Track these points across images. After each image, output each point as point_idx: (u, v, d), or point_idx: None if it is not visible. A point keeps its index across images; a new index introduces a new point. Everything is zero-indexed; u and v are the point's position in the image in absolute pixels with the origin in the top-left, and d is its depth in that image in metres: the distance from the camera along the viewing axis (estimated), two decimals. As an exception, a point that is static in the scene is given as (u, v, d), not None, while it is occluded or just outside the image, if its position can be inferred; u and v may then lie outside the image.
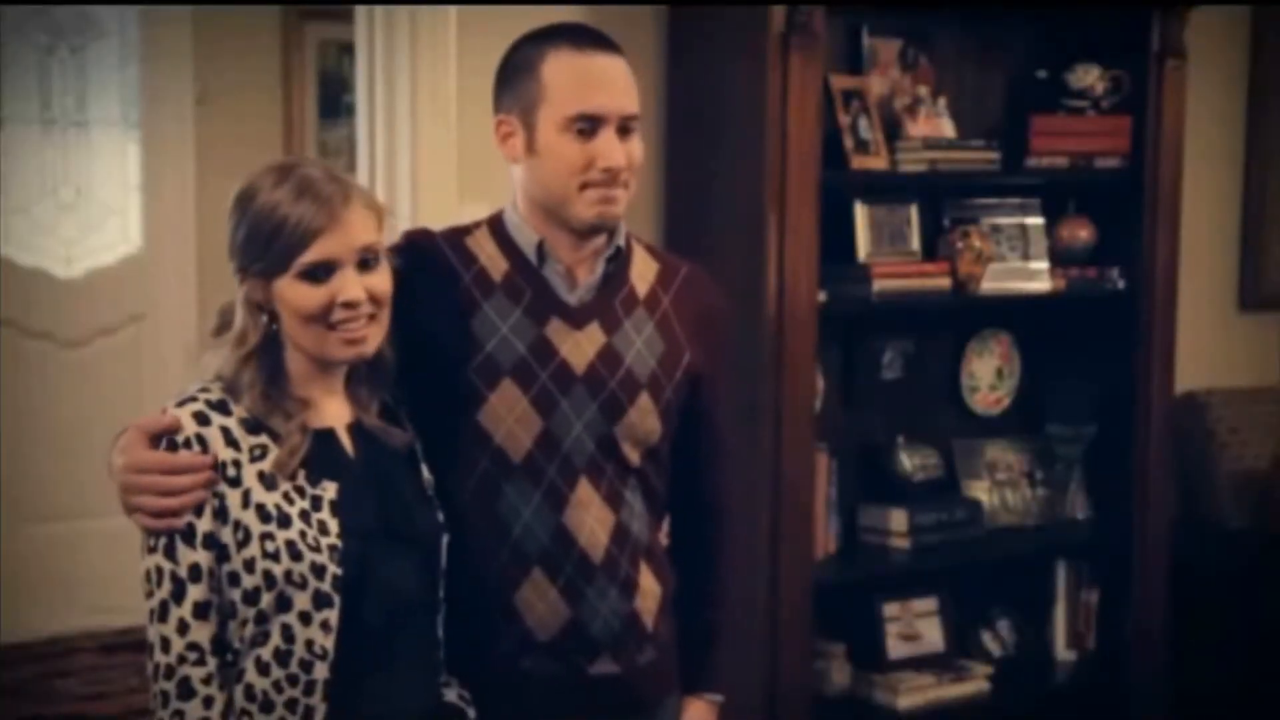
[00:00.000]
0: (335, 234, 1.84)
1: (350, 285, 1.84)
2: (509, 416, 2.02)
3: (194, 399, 1.84)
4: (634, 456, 2.06)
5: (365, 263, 1.85)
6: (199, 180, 5.18)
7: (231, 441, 1.83)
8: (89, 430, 4.90)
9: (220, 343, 1.90)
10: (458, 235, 2.08)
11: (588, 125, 1.96)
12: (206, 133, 5.17)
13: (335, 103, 5.37)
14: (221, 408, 1.83)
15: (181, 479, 1.81)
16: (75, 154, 5.16)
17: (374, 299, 1.86)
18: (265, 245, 1.83)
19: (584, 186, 1.99)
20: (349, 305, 1.83)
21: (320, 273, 1.84)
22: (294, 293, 1.85)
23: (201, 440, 1.81)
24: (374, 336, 1.88)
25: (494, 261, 2.06)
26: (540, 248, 2.03)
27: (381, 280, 1.87)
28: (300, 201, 1.84)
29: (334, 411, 1.92)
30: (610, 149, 1.97)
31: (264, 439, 1.83)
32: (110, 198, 5.24)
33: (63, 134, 5.14)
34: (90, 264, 5.22)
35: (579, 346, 2.05)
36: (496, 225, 2.08)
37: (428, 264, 2.02)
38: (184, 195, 5.23)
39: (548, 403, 2.02)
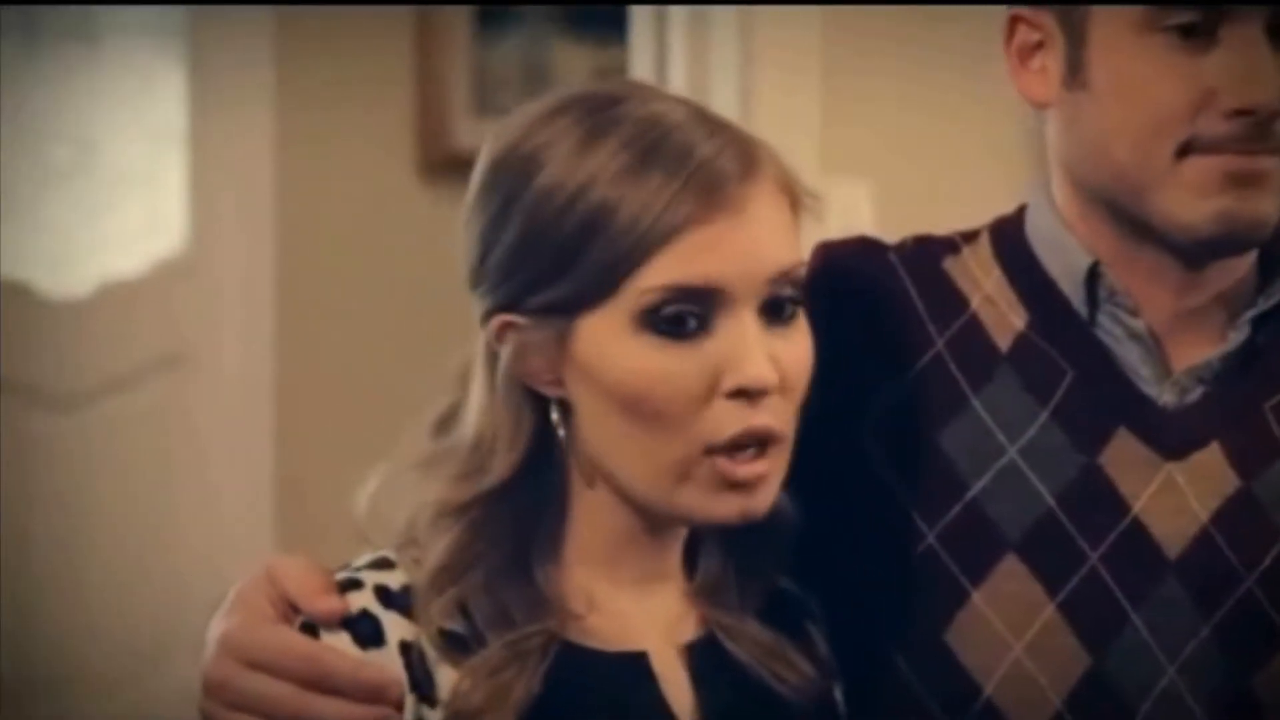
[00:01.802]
0: (724, 235, 1.38)
1: (753, 351, 1.38)
2: (1013, 637, 1.57)
3: (354, 582, 1.42)
4: None
5: (777, 308, 1.41)
6: (283, 122, 4.68)
7: (421, 681, 1.40)
8: (89, 563, 4.51)
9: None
10: (931, 254, 1.68)
11: (1197, 26, 1.55)
12: (295, 44, 4.69)
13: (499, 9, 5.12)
14: (405, 603, 1.42)
15: (350, 709, 1.38)
16: (79, 87, 4.64)
17: (787, 383, 1.41)
18: (567, 253, 1.39)
19: (1186, 152, 1.55)
20: (747, 394, 1.38)
21: (690, 318, 1.37)
22: (631, 356, 1.38)
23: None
24: (778, 471, 1.43)
25: (1000, 307, 1.65)
26: (1094, 280, 1.61)
27: (801, 346, 1.43)
28: (646, 174, 1.38)
29: (652, 615, 1.47)
30: (1249, 66, 1.54)
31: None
32: (133, 155, 4.73)
33: (61, 49, 4.62)
34: (97, 273, 4.68)
35: (1173, 497, 1.59)
36: (1008, 234, 1.69)
37: (868, 307, 1.66)
38: (256, 153, 4.70)
39: (1102, 615, 1.57)
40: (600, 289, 1.40)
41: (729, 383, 1.38)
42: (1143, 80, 1.59)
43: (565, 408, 1.45)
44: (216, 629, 1.46)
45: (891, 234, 1.75)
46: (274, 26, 4.82)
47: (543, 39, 5.22)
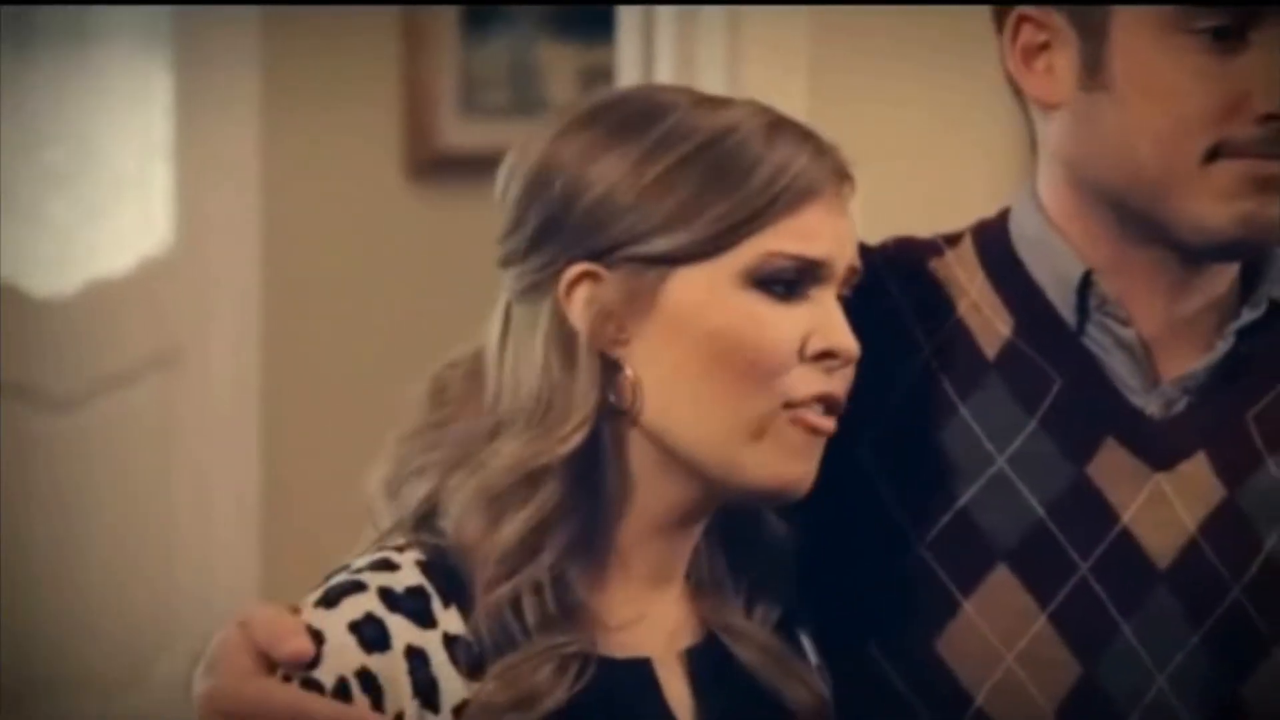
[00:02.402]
0: (835, 214, 1.42)
1: (843, 322, 1.43)
2: (1005, 647, 1.56)
3: (358, 584, 1.37)
4: None
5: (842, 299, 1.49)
6: (268, 128, 4.71)
7: (425, 687, 1.36)
8: (85, 562, 4.51)
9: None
10: (915, 257, 1.67)
11: (1227, 29, 1.53)
12: (282, 45, 4.71)
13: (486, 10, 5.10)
14: (410, 607, 1.36)
15: None
16: (69, 90, 4.69)
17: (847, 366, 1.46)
18: (692, 203, 1.37)
19: (1214, 156, 1.53)
20: (832, 358, 1.41)
21: (791, 282, 1.40)
22: (735, 307, 1.39)
23: (368, 680, 1.34)
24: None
25: (985, 313, 1.63)
26: (1086, 288, 1.59)
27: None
28: (778, 137, 1.40)
29: (655, 619, 1.45)
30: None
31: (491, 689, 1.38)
32: (124, 162, 4.76)
33: (52, 52, 4.66)
34: (90, 272, 4.71)
35: (1161, 507, 1.58)
36: (991, 238, 1.66)
37: (853, 310, 1.56)
38: (243, 154, 4.74)
39: (1093, 625, 1.57)
40: (718, 245, 1.40)
41: (818, 344, 1.40)
42: (1172, 82, 1.57)
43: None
44: (199, 687, 1.43)
45: (880, 234, 1.71)
46: (260, 27, 4.80)
47: (530, 39, 5.19)
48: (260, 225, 4.73)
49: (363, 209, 4.57)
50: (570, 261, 1.39)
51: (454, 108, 5.05)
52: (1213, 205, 1.55)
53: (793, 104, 3.19)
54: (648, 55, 3.41)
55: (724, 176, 1.39)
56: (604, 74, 3.91)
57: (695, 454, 1.41)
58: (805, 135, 1.44)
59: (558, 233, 1.40)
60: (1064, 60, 1.59)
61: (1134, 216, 1.58)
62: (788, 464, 1.42)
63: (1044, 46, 1.61)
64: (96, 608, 4.60)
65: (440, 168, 4.67)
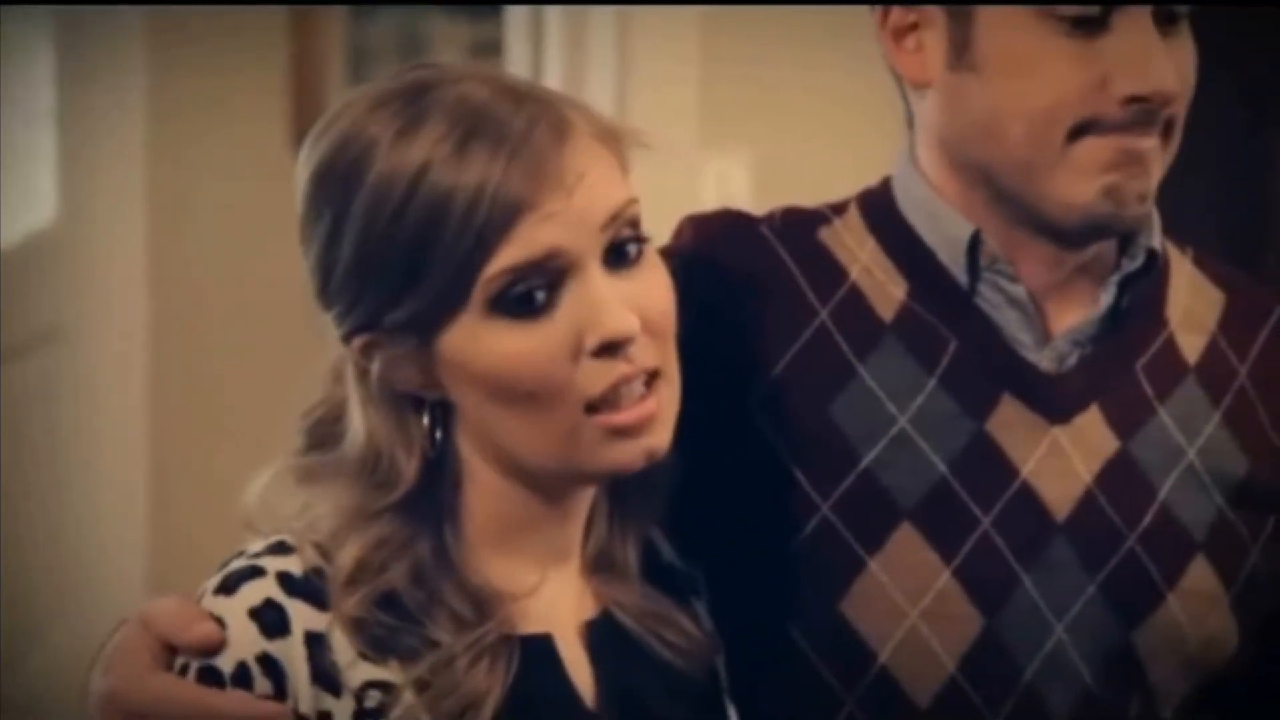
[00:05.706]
0: (554, 209, 1.32)
1: (607, 304, 1.33)
2: (909, 604, 1.56)
3: (256, 569, 1.35)
4: (1173, 693, 1.60)
5: (620, 253, 1.34)
6: (153, 99, 4.62)
7: (325, 671, 1.33)
8: None
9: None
10: (804, 226, 1.65)
11: (1091, 15, 1.52)
12: (167, 18, 4.59)
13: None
14: (308, 590, 1.34)
15: None
16: None
17: (650, 323, 1.35)
18: (409, 266, 1.33)
19: (1078, 134, 1.52)
20: (610, 348, 1.33)
21: (537, 293, 1.33)
22: (491, 346, 1.33)
23: (270, 664, 1.33)
24: (668, 407, 1.37)
25: (879, 278, 1.63)
26: (975, 249, 1.59)
27: (656, 283, 1.37)
28: (470, 155, 1.31)
29: (554, 595, 1.43)
30: (1141, 54, 1.50)
31: (389, 668, 1.33)
32: (7, 134, 4.55)
33: None
34: None
35: (1059, 460, 1.59)
36: (878, 205, 1.66)
37: (744, 281, 1.62)
38: (128, 126, 4.64)
39: (994, 578, 1.56)
40: (452, 296, 1.35)
41: (591, 341, 1.33)
42: (1036, 63, 1.56)
43: (446, 406, 1.40)
44: (98, 686, 1.40)
45: (769, 206, 1.70)
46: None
47: (418, 13, 5.14)
48: (146, 197, 4.66)
49: (250, 182, 4.49)
50: (353, 333, 1.36)
51: (342, 81, 5.00)
52: (1078, 181, 1.55)
53: (684, 73, 3.19)
54: (536, 25, 3.38)
55: (424, 235, 1.33)
56: (493, 48, 3.87)
57: (535, 468, 1.39)
58: (512, 108, 1.35)
59: (329, 306, 1.37)
60: (933, 40, 1.60)
61: (1008, 196, 1.58)
62: (623, 452, 1.38)
63: (913, 26, 1.61)
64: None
65: (328, 142, 4.61)
